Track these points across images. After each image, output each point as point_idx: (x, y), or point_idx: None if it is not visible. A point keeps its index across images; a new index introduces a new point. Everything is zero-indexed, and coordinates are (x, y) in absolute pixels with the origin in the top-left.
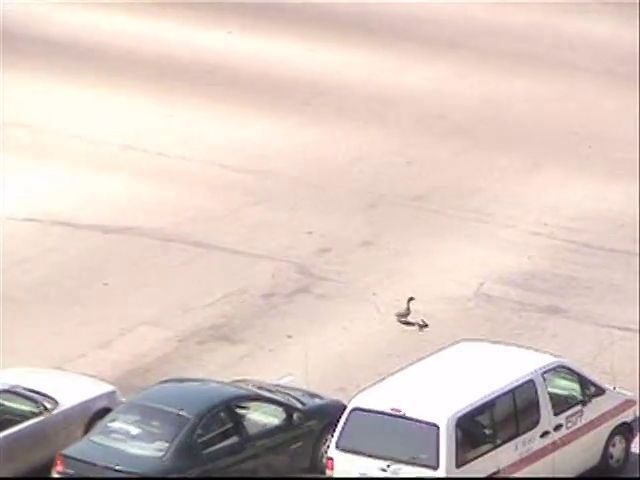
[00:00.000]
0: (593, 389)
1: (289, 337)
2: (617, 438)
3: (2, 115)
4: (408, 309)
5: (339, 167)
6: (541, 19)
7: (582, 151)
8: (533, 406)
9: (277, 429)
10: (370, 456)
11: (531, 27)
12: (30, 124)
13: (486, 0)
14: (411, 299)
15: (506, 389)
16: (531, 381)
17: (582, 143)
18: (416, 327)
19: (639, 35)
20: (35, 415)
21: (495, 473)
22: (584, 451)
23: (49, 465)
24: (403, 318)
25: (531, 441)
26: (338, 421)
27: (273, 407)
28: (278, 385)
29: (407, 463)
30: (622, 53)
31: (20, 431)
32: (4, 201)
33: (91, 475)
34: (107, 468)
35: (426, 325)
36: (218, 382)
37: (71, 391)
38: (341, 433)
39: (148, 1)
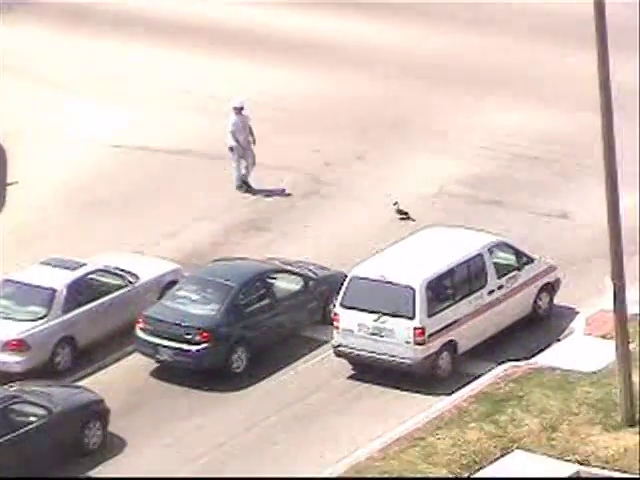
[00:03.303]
0: (525, 259)
1: (306, 226)
2: (543, 294)
3: (99, 70)
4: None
5: (342, 104)
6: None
7: (515, 89)
8: (482, 272)
9: (297, 293)
10: (365, 311)
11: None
12: (119, 76)
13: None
14: (396, 203)
15: (462, 260)
16: (480, 254)
17: (515, 81)
18: (398, 216)
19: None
20: (122, 287)
21: (456, 321)
22: (520, 304)
23: (133, 322)
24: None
25: (481, 297)
26: (341, 286)
27: (294, 277)
28: (298, 261)
29: (392, 315)
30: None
31: (112, 299)
32: (98, 134)
33: (163, 329)
34: (175, 324)
35: (407, 215)
36: (254, 260)
37: (148, 269)
38: (344, 295)
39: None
